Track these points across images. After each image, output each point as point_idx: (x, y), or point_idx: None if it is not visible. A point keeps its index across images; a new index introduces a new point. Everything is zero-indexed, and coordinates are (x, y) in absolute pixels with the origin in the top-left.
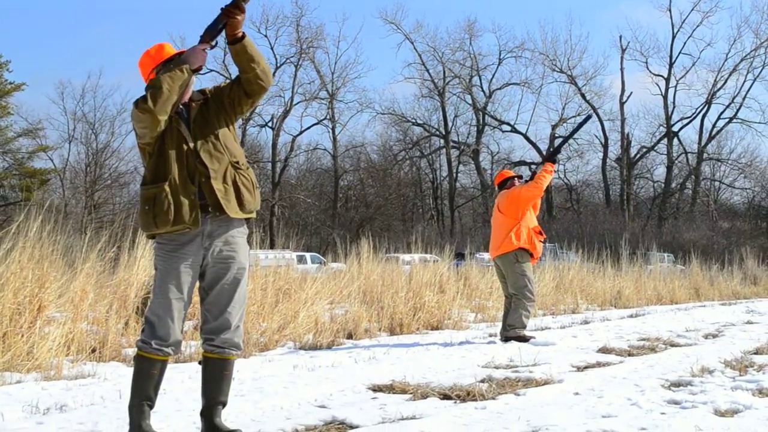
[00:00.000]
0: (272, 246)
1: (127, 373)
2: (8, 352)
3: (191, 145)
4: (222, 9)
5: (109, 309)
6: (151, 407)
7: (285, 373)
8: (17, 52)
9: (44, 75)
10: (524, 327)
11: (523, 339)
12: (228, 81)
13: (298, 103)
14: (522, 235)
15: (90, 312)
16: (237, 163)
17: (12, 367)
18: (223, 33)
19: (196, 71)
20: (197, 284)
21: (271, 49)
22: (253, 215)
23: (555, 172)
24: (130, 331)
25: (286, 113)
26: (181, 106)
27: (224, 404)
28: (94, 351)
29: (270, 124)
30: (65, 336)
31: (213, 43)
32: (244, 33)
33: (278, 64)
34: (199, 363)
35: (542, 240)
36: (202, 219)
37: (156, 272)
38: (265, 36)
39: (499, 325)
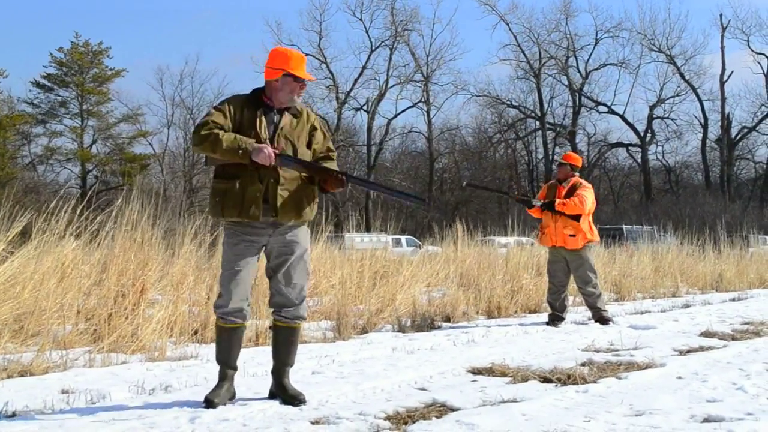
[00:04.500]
0: (368, 229)
1: None
2: (114, 333)
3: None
4: (337, 176)
5: (209, 292)
6: (234, 370)
7: (384, 355)
8: (117, 39)
9: (143, 61)
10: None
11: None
12: (324, 137)
13: (393, 86)
14: None
15: (190, 295)
16: (307, 177)
17: (118, 348)
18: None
19: (253, 163)
20: (265, 263)
21: (366, 32)
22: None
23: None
24: None
25: (381, 96)
26: (275, 112)
27: (291, 365)
28: (196, 333)
29: (365, 108)
30: (168, 318)
31: (280, 160)
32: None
33: (373, 48)
34: (270, 328)
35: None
36: (262, 212)
37: (224, 249)
38: (360, 19)
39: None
